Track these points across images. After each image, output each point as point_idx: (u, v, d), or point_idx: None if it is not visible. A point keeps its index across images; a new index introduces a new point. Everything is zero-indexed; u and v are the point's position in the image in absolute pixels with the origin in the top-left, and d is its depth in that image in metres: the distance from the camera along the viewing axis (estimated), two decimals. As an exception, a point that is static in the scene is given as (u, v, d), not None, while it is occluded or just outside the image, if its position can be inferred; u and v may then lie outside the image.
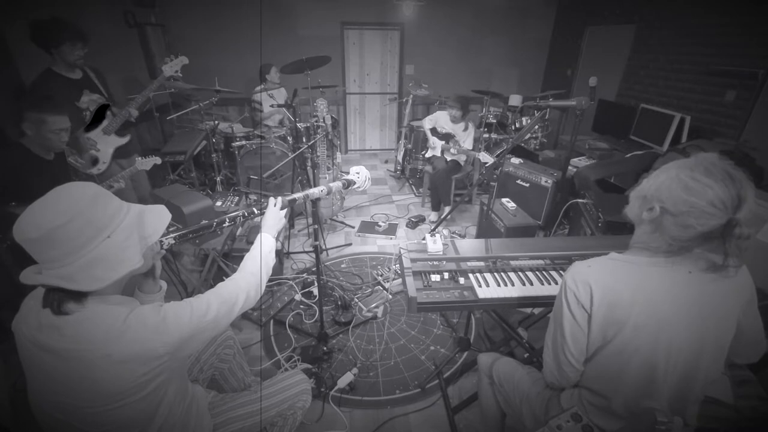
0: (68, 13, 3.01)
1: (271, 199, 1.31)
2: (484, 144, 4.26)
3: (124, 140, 2.58)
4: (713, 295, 0.88)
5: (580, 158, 3.71)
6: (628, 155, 3.39)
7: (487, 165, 3.32)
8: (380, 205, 4.11)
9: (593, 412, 1.02)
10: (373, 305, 2.47)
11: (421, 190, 4.25)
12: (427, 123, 3.80)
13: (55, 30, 2.20)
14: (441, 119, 3.69)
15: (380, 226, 3.52)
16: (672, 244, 0.88)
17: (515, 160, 3.36)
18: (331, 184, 1.51)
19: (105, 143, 2.47)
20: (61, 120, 1.88)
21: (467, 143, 3.60)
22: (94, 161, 2.45)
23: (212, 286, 1.03)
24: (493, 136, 4.42)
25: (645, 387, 0.92)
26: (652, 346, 0.88)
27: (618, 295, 0.89)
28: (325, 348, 2.09)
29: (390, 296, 2.60)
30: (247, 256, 1.16)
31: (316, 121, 3.30)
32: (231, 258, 2.51)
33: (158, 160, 2.45)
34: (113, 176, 2.30)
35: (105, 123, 2.46)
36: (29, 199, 0.80)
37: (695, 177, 0.83)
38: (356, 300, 2.53)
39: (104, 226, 0.82)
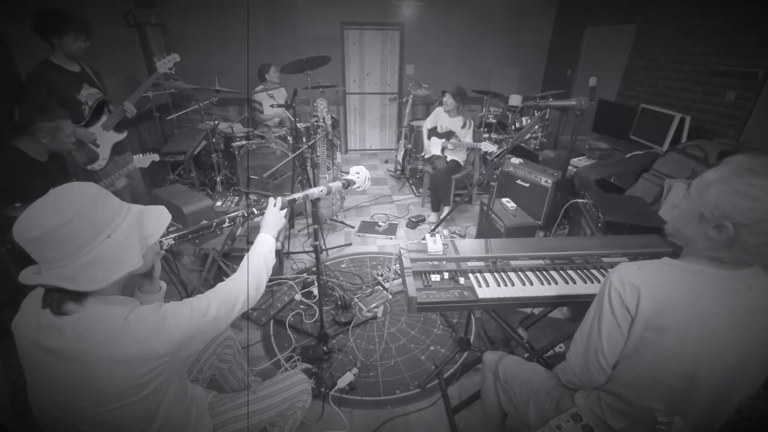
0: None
1: (271, 199, 1.31)
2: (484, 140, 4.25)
3: (122, 136, 2.59)
4: None
5: (580, 158, 3.71)
6: (628, 155, 3.39)
7: (490, 152, 3.30)
8: (380, 205, 4.11)
9: (610, 414, 0.99)
10: (373, 305, 2.47)
11: (421, 190, 4.25)
12: (428, 123, 3.80)
13: (60, 20, 2.20)
14: (441, 116, 3.69)
15: (380, 226, 3.51)
16: (750, 254, 0.85)
17: (515, 160, 3.36)
18: (331, 184, 1.51)
19: (104, 139, 2.47)
20: (70, 124, 1.99)
21: (467, 139, 3.60)
22: (94, 157, 2.45)
23: (212, 286, 1.03)
24: (493, 136, 4.42)
25: (677, 398, 0.89)
26: (694, 359, 0.85)
27: (668, 302, 0.86)
28: (325, 348, 2.09)
29: (390, 296, 2.60)
30: (247, 256, 1.16)
31: (316, 121, 3.30)
32: (231, 258, 2.51)
33: (156, 157, 2.44)
34: (113, 173, 2.31)
35: (104, 119, 2.47)
36: (27, 201, 0.80)
37: (750, 183, 0.81)
38: (356, 300, 2.53)
39: (104, 226, 0.82)
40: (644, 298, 0.87)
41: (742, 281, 0.87)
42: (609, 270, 0.97)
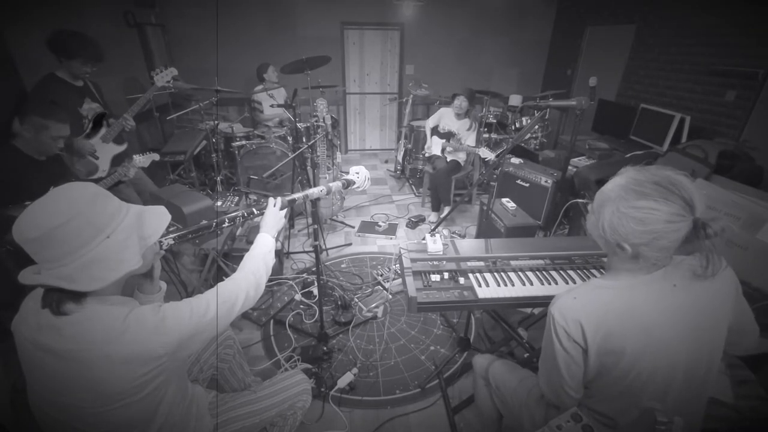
0: (70, 13, 3.03)
1: (271, 200, 1.30)
2: (484, 143, 4.26)
3: (122, 148, 2.61)
4: (701, 301, 0.87)
5: (580, 158, 3.71)
6: (628, 155, 3.39)
7: (487, 160, 3.31)
8: (380, 205, 4.11)
9: (598, 427, 1.00)
10: (373, 305, 2.47)
11: (421, 190, 4.25)
12: (430, 122, 3.79)
13: (74, 44, 2.26)
14: (445, 117, 3.68)
15: (380, 226, 3.51)
16: (656, 265, 0.89)
17: (515, 160, 3.36)
18: (330, 184, 1.51)
19: (104, 151, 2.50)
20: (62, 128, 1.94)
21: (470, 141, 3.59)
22: (94, 169, 2.47)
23: (212, 286, 1.03)
24: (493, 136, 4.41)
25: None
26: (653, 368, 0.87)
27: (610, 327, 0.87)
28: (325, 348, 2.09)
29: (390, 296, 2.60)
30: (247, 256, 1.16)
31: (316, 121, 3.30)
32: (231, 258, 2.51)
33: (156, 157, 2.45)
34: (116, 170, 2.31)
35: (103, 131, 2.49)
36: (27, 201, 0.80)
37: (636, 206, 0.83)
38: (356, 300, 2.53)
39: (104, 226, 0.82)
40: (588, 329, 0.88)
41: (666, 281, 0.89)
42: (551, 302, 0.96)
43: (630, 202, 0.84)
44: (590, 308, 0.89)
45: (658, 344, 0.86)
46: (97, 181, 2.37)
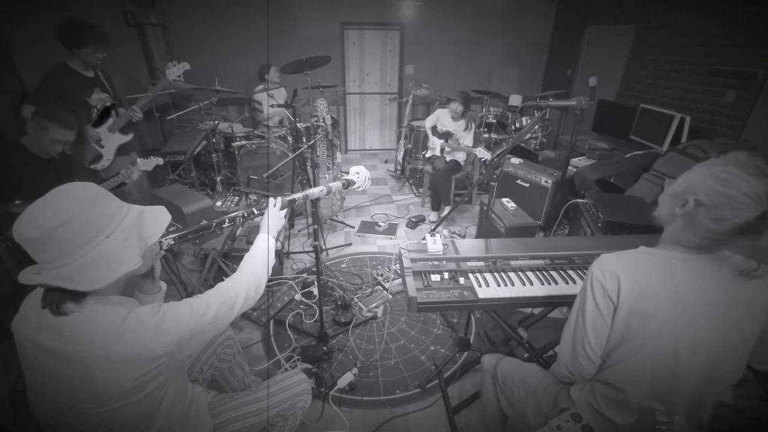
0: (68, 12, 3.03)
1: (271, 200, 1.30)
2: (483, 143, 4.27)
3: (128, 138, 2.63)
4: (740, 296, 0.88)
5: (580, 158, 3.71)
6: (628, 155, 3.39)
7: (483, 160, 3.32)
8: (380, 205, 4.11)
9: (605, 404, 1.01)
10: (373, 305, 2.47)
11: (421, 190, 4.25)
12: (428, 122, 3.81)
13: (84, 33, 2.30)
14: (442, 117, 3.69)
15: (380, 226, 3.51)
16: (705, 238, 0.89)
17: (515, 160, 3.36)
18: (330, 184, 1.51)
19: (109, 140, 2.53)
20: (64, 133, 1.88)
21: (467, 141, 3.60)
22: (98, 157, 2.48)
23: (212, 286, 1.03)
24: (493, 136, 4.42)
25: (664, 383, 0.92)
26: (676, 342, 0.88)
27: (646, 287, 0.89)
28: (325, 348, 2.09)
29: (390, 296, 2.60)
30: (247, 256, 1.16)
31: (316, 121, 3.30)
32: (231, 258, 2.51)
33: (160, 161, 2.45)
34: (119, 172, 2.31)
35: (110, 121, 2.51)
36: (29, 198, 0.80)
37: (728, 170, 0.85)
38: (356, 300, 2.53)
39: (104, 227, 0.82)
40: (624, 285, 0.90)
41: (712, 264, 0.90)
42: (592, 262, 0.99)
43: (726, 166, 0.86)
44: (631, 266, 0.92)
45: (688, 320, 0.87)
46: (99, 180, 2.37)
